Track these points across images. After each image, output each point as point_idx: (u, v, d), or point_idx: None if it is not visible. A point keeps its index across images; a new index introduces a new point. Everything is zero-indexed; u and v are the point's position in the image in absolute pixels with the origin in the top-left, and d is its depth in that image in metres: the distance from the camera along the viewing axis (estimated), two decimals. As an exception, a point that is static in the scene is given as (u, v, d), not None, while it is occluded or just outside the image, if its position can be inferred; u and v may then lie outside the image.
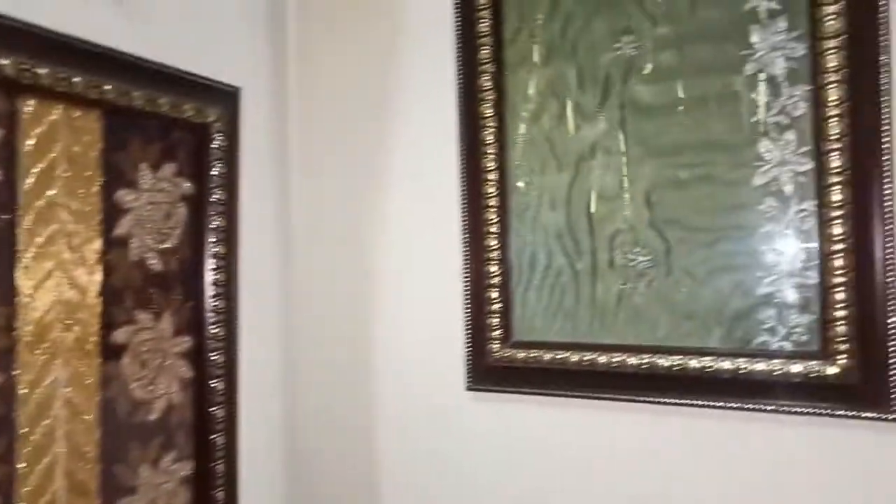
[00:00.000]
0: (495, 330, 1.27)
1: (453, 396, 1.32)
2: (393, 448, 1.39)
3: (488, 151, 1.27)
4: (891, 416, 0.97)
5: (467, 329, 1.30)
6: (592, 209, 1.21)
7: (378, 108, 1.42)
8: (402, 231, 1.39)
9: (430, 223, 1.36)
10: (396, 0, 1.39)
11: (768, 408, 1.05)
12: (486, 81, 1.27)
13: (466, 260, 1.30)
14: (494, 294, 1.28)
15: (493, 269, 1.28)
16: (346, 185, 1.46)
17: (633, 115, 1.17)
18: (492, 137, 1.27)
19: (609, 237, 1.19)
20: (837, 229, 1.02)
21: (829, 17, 1.01)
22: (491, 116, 1.27)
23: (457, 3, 1.30)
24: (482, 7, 1.28)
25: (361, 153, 1.44)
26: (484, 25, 1.27)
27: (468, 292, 1.30)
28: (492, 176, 1.27)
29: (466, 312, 1.30)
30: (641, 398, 1.15)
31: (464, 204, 1.30)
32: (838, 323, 1.02)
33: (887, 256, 0.98)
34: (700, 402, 1.10)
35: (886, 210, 0.98)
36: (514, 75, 1.26)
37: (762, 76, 1.07)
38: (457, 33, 1.30)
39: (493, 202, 1.28)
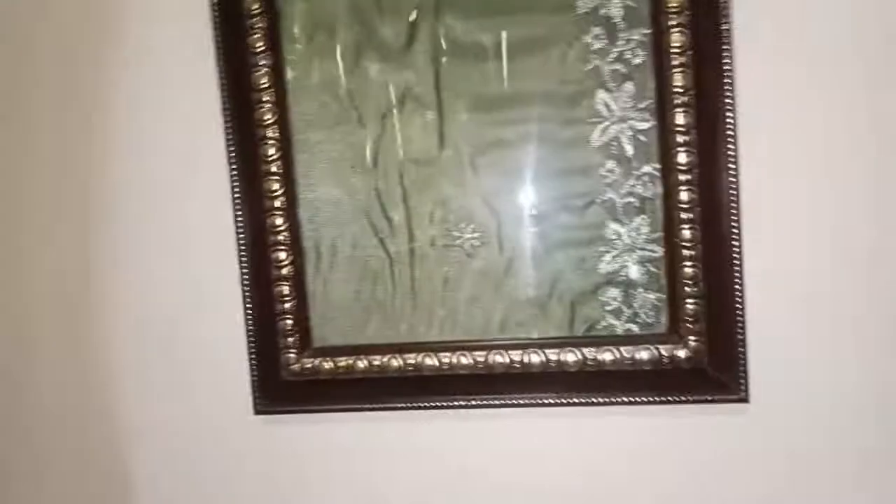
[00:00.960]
0: (289, 335, 0.99)
1: (238, 423, 1.02)
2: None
3: (263, 99, 0.96)
4: (744, 397, 0.91)
5: (250, 337, 1.00)
6: (405, 177, 0.97)
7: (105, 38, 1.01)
8: (149, 211, 1.02)
9: (191, 198, 1.01)
10: None
11: (620, 399, 0.94)
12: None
13: (243, 245, 0.99)
14: (285, 289, 0.99)
15: (282, 255, 0.99)
16: (60, 146, 1.04)
17: (448, 60, 0.94)
18: (266, 81, 0.96)
19: (428, 211, 0.97)
20: (684, 195, 0.91)
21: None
22: (263, 52, 0.95)
23: None
24: None
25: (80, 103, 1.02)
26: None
27: (248, 288, 0.99)
28: (271, 133, 0.97)
29: (248, 315, 0.99)
30: (479, 402, 0.96)
31: (233, 170, 0.98)
32: (687, 301, 0.92)
33: (733, 230, 0.90)
34: (545, 401, 0.95)
35: (731, 179, 0.89)
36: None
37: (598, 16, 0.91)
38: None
39: (274, 168, 0.97)
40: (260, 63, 0.96)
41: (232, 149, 0.98)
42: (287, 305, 0.99)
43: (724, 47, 0.87)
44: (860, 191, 0.88)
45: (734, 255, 0.89)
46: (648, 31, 0.90)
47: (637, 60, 0.91)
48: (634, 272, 0.94)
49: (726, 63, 0.87)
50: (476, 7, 0.93)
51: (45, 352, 1.08)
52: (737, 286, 0.90)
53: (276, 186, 0.98)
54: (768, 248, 0.90)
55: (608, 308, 0.95)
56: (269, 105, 0.97)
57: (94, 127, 1.03)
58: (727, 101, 0.88)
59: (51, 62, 1.03)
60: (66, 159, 1.04)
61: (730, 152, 0.88)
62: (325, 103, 0.97)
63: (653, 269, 0.93)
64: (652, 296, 0.94)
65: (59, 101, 1.04)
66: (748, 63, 0.88)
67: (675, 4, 0.88)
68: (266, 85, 0.96)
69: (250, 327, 1.00)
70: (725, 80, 0.88)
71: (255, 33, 0.96)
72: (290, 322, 0.99)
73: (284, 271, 0.99)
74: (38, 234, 1.07)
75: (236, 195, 0.98)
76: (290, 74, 0.97)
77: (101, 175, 1.04)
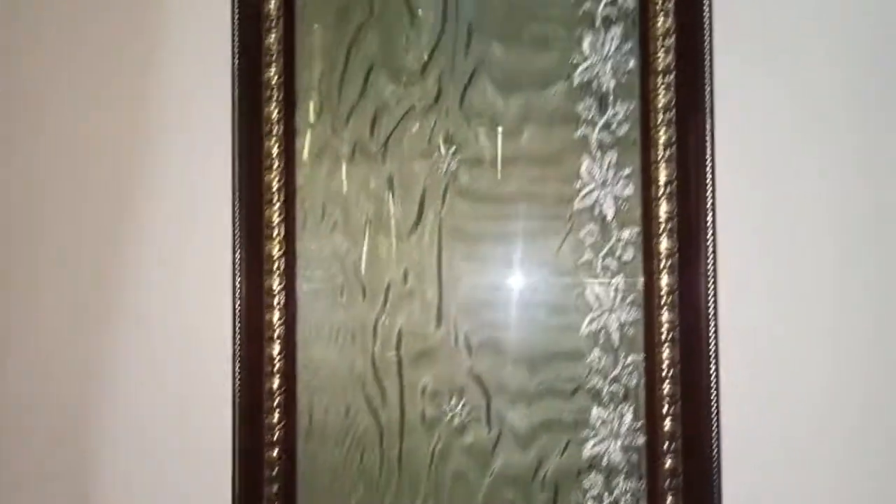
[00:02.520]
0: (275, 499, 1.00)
1: None
2: None
3: (273, 269, 1.03)
4: None
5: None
6: (402, 348, 1.02)
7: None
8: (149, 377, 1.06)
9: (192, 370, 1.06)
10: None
11: None
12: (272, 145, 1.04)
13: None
14: (274, 452, 1.01)
15: (275, 419, 1.01)
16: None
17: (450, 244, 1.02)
18: (278, 250, 1.03)
19: (421, 384, 1.01)
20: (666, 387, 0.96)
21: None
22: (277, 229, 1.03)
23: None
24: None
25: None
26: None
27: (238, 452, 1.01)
28: (276, 302, 1.02)
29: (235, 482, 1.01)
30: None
31: (238, 347, 1.03)
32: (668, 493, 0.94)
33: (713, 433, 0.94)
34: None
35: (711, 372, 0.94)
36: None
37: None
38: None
39: (276, 333, 1.03)
40: (274, 235, 1.04)
41: (239, 308, 1.03)
42: (275, 471, 1.00)
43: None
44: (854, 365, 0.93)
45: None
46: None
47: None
48: (616, 458, 0.97)
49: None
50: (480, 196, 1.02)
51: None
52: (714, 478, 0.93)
53: (276, 350, 1.02)
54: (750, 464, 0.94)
55: (591, 494, 0.96)
56: (277, 273, 1.03)
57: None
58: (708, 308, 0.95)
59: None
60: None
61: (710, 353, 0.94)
62: (333, 275, 1.04)
63: (634, 457, 0.96)
64: (632, 484, 0.96)
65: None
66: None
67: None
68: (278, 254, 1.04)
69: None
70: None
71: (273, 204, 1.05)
72: (276, 487, 1.00)
73: (276, 435, 1.01)
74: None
75: (239, 358, 1.03)
76: (299, 247, 1.05)
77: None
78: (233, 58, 1.02)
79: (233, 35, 1.01)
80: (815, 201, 0.93)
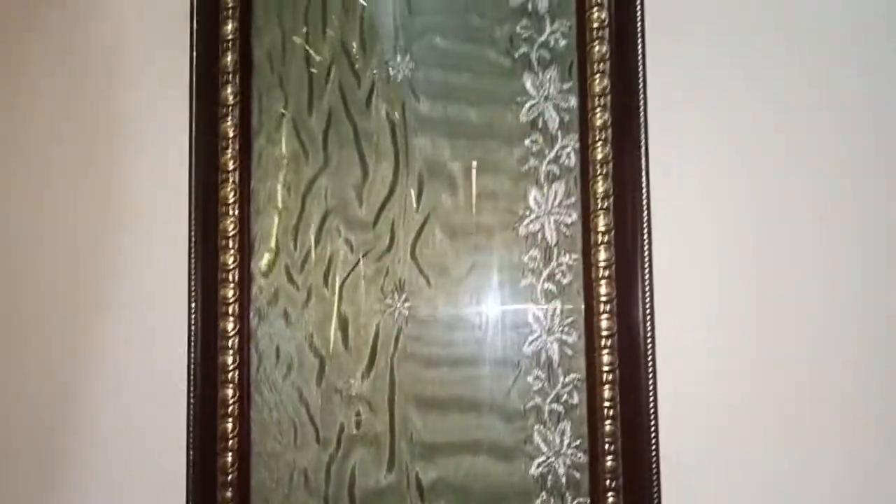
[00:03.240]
0: None
1: None
2: None
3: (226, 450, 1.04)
4: None
5: None
6: (355, 490, 1.03)
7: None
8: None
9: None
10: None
11: None
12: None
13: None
14: None
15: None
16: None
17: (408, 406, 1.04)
18: (231, 401, 1.04)
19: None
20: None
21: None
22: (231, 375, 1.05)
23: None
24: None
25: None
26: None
27: None
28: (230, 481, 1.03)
29: None
30: None
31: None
32: None
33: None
34: None
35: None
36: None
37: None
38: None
39: (230, 478, 1.03)
40: (228, 379, 1.05)
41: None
42: None
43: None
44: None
45: None
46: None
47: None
48: None
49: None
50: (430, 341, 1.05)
51: None
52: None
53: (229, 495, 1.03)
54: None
55: None
56: (230, 418, 1.04)
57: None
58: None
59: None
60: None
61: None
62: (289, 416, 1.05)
63: None
64: None
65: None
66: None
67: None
68: (230, 412, 1.05)
69: None
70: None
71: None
72: None
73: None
74: None
75: None
76: (256, 398, 1.06)
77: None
78: (190, 208, 1.05)
79: (190, 190, 1.05)
80: (747, 230, 0.98)
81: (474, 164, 1.03)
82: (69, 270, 1.11)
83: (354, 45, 1.06)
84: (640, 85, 0.98)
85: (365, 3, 1.06)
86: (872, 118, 0.97)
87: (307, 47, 1.07)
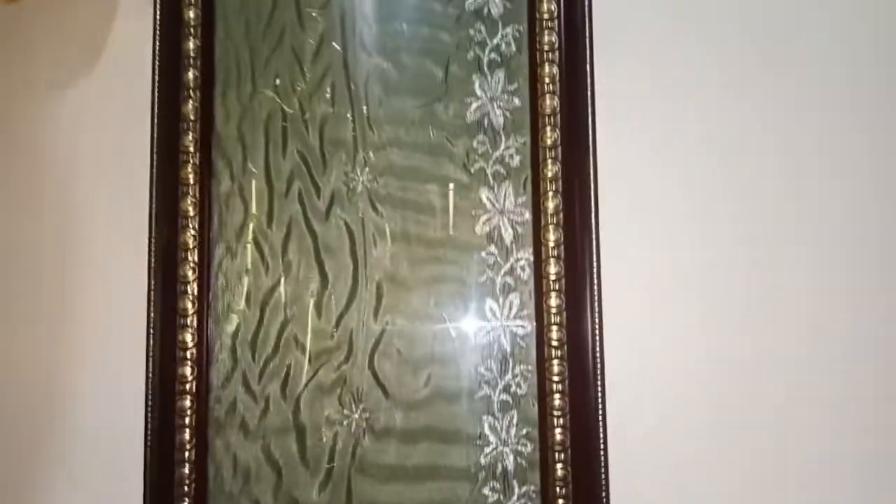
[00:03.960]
0: None
1: None
2: None
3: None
4: None
5: None
6: None
7: None
8: None
9: None
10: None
11: None
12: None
13: None
14: None
15: None
16: None
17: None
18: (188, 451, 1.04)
19: None
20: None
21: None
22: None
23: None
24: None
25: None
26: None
27: None
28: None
29: None
30: None
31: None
32: None
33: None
34: None
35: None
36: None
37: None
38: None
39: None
40: (184, 493, 1.04)
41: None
42: None
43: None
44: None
45: None
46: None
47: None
48: None
49: None
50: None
51: None
52: None
53: None
54: None
55: None
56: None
57: None
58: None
59: None
60: None
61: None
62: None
63: None
64: None
65: None
66: None
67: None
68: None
69: None
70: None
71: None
72: None
73: None
74: None
75: None
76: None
77: None
78: (149, 319, 1.05)
79: (149, 301, 1.05)
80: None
81: (432, 275, 1.05)
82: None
83: (315, 155, 1.08)
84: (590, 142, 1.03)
85: (331, 110, 1.09)
86: (824, 137, 1.02)
87: (268, 157, 1.08)
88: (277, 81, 1.09)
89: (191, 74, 1.07)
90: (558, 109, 1.04)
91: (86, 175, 1.12)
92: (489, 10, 1.08)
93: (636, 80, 1.05)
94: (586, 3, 1.03)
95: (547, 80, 1.04)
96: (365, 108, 1.08)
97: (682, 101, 1.04)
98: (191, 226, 1.06)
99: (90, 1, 1.14)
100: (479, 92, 1.07)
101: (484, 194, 1.06)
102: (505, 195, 1.06)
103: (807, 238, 1.02)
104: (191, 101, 1.07)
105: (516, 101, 1.06)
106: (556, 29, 1.05)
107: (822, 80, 1.03)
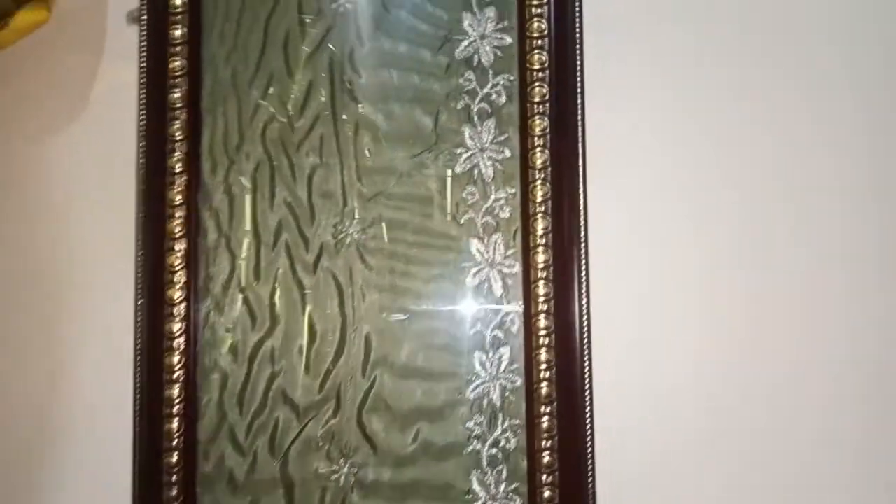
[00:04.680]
0: None
1: None
2: None
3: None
4: None
5: None
6: None
7: None
8: None
9: None
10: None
11: None
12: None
13: None
14: None
15: None
16: None
17: None
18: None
19: None
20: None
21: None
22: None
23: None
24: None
25: None
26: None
27: None
28: None
29: None
30: None
31: None
32: None
33: None
34: None
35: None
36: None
37: None
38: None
39: None
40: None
41: None
42: None
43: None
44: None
45: None
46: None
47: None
48: None
49: None
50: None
51: None
52: None
53: None
54: None
55: None
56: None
57: None
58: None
59: None
60: None
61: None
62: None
63: None
64: None
65: None
66: None
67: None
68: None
69: None
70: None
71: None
72: None
73: None
74: None
75: None
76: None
77: None
78: (135, 374, 1.04)
79: (135, 354, 1.04)
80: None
81: (421, 330, 1.04)
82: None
83: (303, 206, 1.07)
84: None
85: (319, 160, 1.08)
86: (816, 137, 1.06)
87: (255, 209, 1.07)
88: (266, 131, 1.08)
89: (177, 125, 1.05)
90: (548, 162, 1.03)
91: (69, 228, 1.11)
92: (479, 60, 1.07)
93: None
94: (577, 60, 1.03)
95: (538, 132, 1.03)
96: (353, 158, 1.07)
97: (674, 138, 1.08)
98: (177, 280, 1.04)
99: (75, 48, 1.13)
100: (469, 142, 1.06)
101: (474, 246, 1.05)
102: (495, 247, 1.05)
103: (800, 235, 1.05)
104: (177, 153, 1.05)
105: (507, 151, 1.06)
106: (547, 80, 1.04)
107: (823, 77, 1.07)
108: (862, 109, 1.06)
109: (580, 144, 1.03)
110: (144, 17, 1.07)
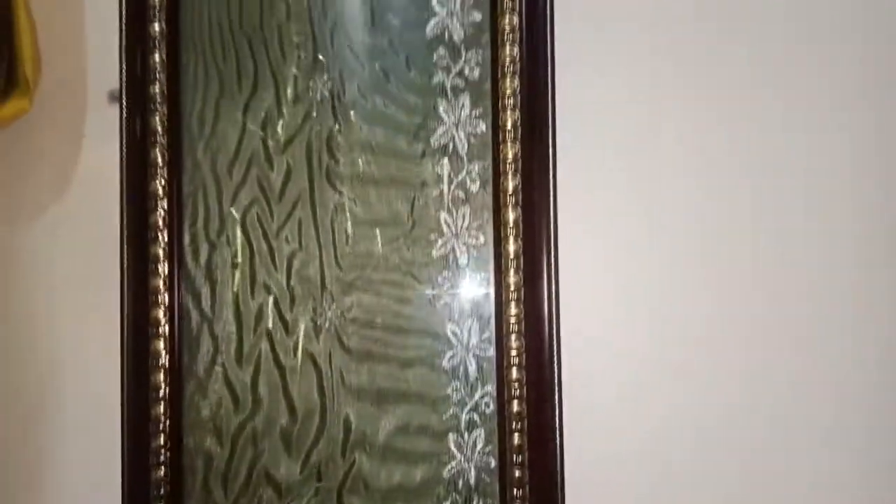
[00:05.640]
0: None
1: None
2: None
3: None
4: None
5: None
6: None
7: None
8: None
9: None
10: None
11: None
12: None
13: None
14: None
15: None
16: None
17: None
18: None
19: None
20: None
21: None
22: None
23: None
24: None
25: None
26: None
27: None
28: None
29: None
30: None
31: None
32: None
33: None
34: None
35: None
36: None
37: None
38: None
39: None
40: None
41: None
42: None
43: None
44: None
45: None
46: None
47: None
48: None
49: None
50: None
51: None
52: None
53: None
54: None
55: None
56: None
57: None
58: None
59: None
60: None
61: None
62: None
63: None
64: None
65: None
66: None
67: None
68: None
69: None
70: None
71: None
72: None
73: None
74: None
75: None
76: None
77: None
78: (123, 464, 1.08)
79: (122, 439, 1.08)
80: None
81: (397, 415, 1.08)
82: None
83: (283, 291, 1.10)
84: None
85: (298, 246, 1.10)
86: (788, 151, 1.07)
87: (237, 294, 1.10)
88: (246, 218, 1.10)
89: (159, 213, 1.08)
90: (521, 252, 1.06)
91: (53, 311, 1.14)
92: (455, 147, 1.09)
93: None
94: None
95: (511, 223, 1.06)
96: (332, 244, 1.09)
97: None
98: (162, 365, 1.08)
99: (58, 127, 1.14)
100: (444, 228, 1.09)
101: (448, 329, 1.08)
102: (470, 330, 1.08)
103: (764, 228, 1.07)
104: (160, 241, 1.08)
105: (481, 237, 1.08)
106: (516, 170, 1.06)
107: (800, 76, 1.07)
108: (839, 108, 1.05)
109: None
110: (125, 102, 1.09)
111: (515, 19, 1.04)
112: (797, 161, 1.07)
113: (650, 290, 1.08)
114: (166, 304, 1.08)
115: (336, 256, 1.09)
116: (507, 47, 1.04)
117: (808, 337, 1.06)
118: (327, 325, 1.09)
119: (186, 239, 1.10)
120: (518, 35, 1.04)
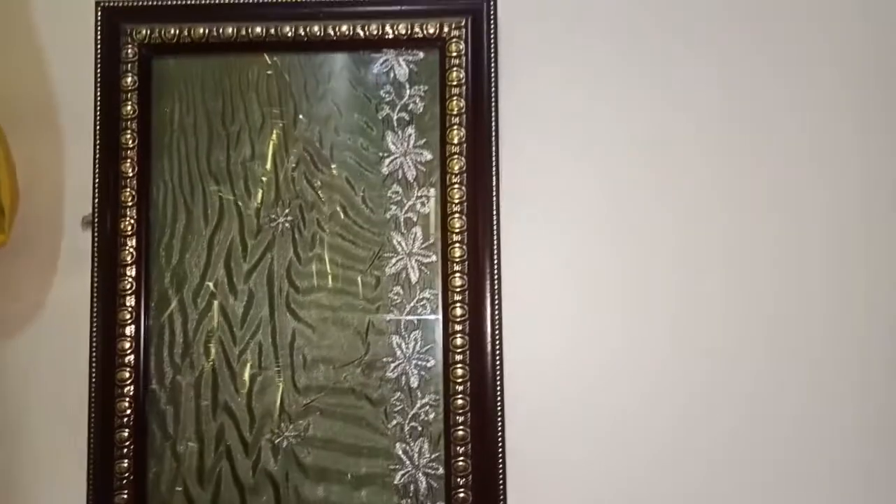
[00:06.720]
0: None
1: None
2: None
3: None
4: None
5: None
6: None
7: None
8: None
9: None
10: None
11: None
12: None
13: None
14: None
15: None
16: None
17: None
18: None
19: None
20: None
21: None
22: None
23: None
24: None
25: None
26: None
27: None
28: None
29: None
30: None
31: None
32: None
33: None
34: None
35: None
36: None
37: None
38: None
39: None
40: None
41: None
42: None
43: None
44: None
45: None
46: None
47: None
48: None
49: None
50: None
51: None
52: None
53: None
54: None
55: None
56: None
57: None
58: None
59: None
60: None
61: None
62: None
63: None
64: None
65: None
66: None
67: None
68: None
69: None
70: None
71: None
72: None
73: None
74: None
75: None
76: None
77: None
78: None
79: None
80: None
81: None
82: None
83: (243, 413, 1.16)
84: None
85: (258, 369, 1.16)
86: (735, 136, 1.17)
87: (199, 416, 1.16)
88: (211, 347, 1.17)
89: (126, 343, 1.14)
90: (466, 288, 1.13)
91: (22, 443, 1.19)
92: (408, 276, 1.17)
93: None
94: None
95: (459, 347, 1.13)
96: (290, 369, 1.16)
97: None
98: (126, 484, 1.12)
99: (31, 254, 1.21)
100: (397, 351, 1.16)
101: (400, 450, 1.14)
102: (420, 451, 1.14)
103: (726, 233, 1.15)
104: (127, 370, 1.14)
105: (430, 361, 1.15)
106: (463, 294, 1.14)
107: (749, 77, 1.18)
108: (805, 108, 1.17)
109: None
110: (97, 234, 1.16)
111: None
112: (760, 169, 1.16)
113: (597, 309, 1.18)
114: (131, 425, 1.13)
115: (294, 380, 1.16)
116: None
117: (764, 351, 1.13)
118: (285, 444, 1.15)
119: (152, 363, 1.16)
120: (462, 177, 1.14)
